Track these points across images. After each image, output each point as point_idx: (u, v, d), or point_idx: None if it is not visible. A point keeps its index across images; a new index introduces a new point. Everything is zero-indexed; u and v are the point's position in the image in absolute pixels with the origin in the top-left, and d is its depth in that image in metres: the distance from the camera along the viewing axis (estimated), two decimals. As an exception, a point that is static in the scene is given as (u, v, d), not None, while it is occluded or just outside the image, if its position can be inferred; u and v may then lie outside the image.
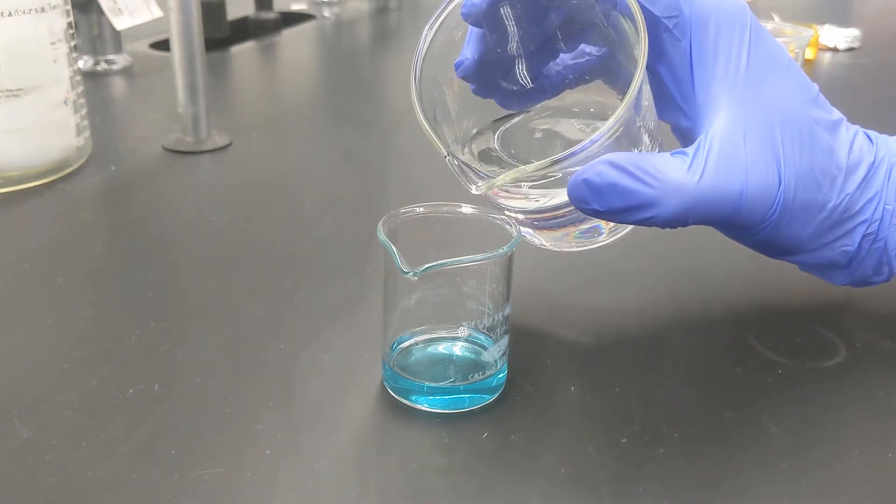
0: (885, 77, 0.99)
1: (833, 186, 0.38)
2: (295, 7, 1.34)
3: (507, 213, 0.40)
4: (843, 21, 1.15)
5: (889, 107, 0.87)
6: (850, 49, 1.08)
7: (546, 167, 0.33)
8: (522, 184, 0.36)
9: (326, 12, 1.32)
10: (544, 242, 0.42)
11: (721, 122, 0.36)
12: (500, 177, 0.34)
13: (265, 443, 0.35)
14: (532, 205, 0.39)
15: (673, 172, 0.34)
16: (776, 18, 0.99)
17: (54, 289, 0.48)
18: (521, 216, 0.40)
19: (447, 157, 0.37)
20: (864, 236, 0.39)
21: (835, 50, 1.08)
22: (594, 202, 0.34)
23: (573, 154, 0.33)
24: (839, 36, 1.08)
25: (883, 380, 0.40)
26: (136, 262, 0.52)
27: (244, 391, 0.39)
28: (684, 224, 0.35)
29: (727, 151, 0.35)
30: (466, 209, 0.39)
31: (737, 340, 0.43)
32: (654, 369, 0.41)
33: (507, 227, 0.38)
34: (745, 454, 0.35)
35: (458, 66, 0.40)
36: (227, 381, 0.39)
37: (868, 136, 0.40)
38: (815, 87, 0.39)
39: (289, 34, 1.19)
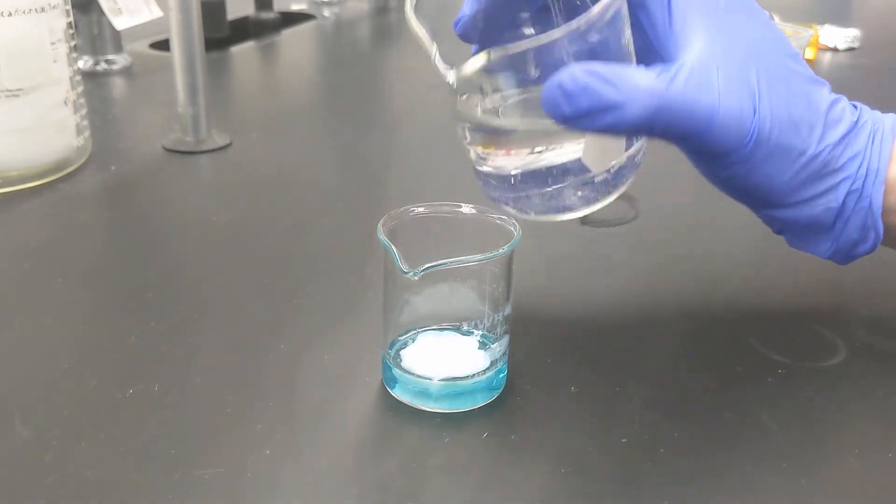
0: (885, 77, 0.99)
1: (812, 134, 0.38)
2: (295, 7, 1.34)
3: (491, 179, 0.40)
4: (843, 21, 1.15)
5: (889, 107, 0.86)
6: (850, 49, 1.08)
7: (524, 47, 0.34)
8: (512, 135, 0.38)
9: (326, 12, 1.32)
10: (529, 211, 0.41)
11: (694, 53, 0.36)
12: (474, 58, 0.35)
13: (265, 443, 0.35)
14: (519, 162, 0.39)
15: (642, 78, 0.35)
16: (776, 18, 0.99)
17: (54, 289, 0.48)
18: (509, 177, 0.40)
19: (434, 56, 0.37)
20: (848, 193, 0.39)
21: (835, 50, 1.08)
22: (564, 105, 0.34)
23: (551, 40, 0.34)
24: (839, 36, 1.08)
25: (883, 380, 0.40)
26: (135, 261, 0.52)
27: (244, 391, 0.39)
28: (651, 130, 0.36)
29: (699, 74, 0.36)
30: (466, 209, 0.39)
31: (737, 340, 0.43)
32: (655, 369, 0.41)
33: (508, 227, 0.38)
34: (745, 454, 0.35)
35: (456, 23, 0.40)
36: (227, 381, 0.39)
37: (854, 106, 0.40)
38: (796, 49, 0.39)
39: (289, 34, 1.19)
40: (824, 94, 0.39)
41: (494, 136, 0.40)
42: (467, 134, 0.40)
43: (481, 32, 0.40)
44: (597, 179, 0.40)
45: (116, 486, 0.33)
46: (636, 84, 0.34)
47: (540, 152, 0.39)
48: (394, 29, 1.27)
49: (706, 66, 0.36)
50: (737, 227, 0.57)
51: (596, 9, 0.34)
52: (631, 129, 0.35)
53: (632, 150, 0.40)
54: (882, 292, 0.48)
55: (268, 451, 0.35)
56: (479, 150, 0.40)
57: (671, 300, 0.47)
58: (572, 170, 0.39)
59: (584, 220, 0.57)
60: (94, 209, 0.60)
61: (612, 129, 0.35)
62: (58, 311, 0.46)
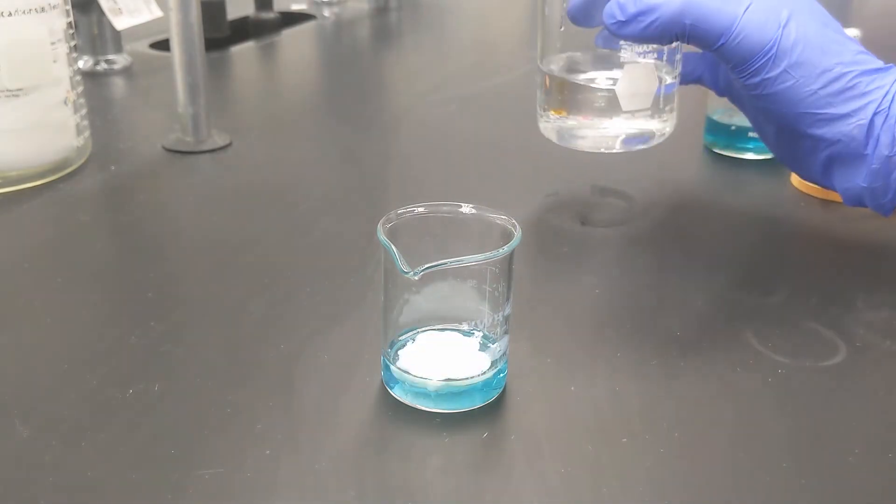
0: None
1: (838, 59, 0.46)
2: (295, 7, 1.33)
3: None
4: (843, 21, 1.15)
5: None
6: (850, 49, 1.08)
7: None
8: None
9: (326, 12, 1.32)
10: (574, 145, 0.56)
11: None
12: None
13: (265, 443, 0.35)
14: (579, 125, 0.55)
15: None
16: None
17: (54, 289, 0.48)
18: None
19: None
20: (875, 113, 0.45)
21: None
22: (619, 13, 0.47)
23: None
24: (839, 36, 1.08)
25: (883, 380, 0.40)
26: (136, 262, 0.52)
27: (244, 391, 0.39)
28: (683, 27, 0.46)
29: None
30: (466, 209, 0.39)
31: (737, 340, 0.43)
32: (655, 369, 0.41)
33: (508, 227, 0.38)
34: (744, 454, 0.35)
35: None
36: (227, 381, 0.39)
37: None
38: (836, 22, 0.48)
39: (289, 34, 1.19)
40: (854, 46, 0.47)
41: (561, 100, 0.56)
42: (543, 99, 0.56)
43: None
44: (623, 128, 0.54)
45: (116, 486, 0.33)
46: None
47: (598, 125, 0.55)
48: (394, 29, 1.27)
49: (737, 1, 0.46)
50: (736, 227, 0.57)
51: None
52: (667, 25, 0.46)
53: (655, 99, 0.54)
54: (882, 292, 0.48)
55: (268, 451, 0.35)
56: (553, 113, 0.56)
57: (671, 300, 0.47)
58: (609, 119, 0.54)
59: (584, 221, 0.57)
60: (93, 209, 0.60)
61: (654, 29, 0.46)
62: (58, 311, 0.46)
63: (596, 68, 0.55)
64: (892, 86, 0.46)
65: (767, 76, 0.46)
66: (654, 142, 0.56)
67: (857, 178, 0.47)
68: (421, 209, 0.39)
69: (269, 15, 1.20)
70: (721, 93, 0.58)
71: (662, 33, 0.47)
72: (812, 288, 0.48)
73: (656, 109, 0.55)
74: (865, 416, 0.38)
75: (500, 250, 0.36)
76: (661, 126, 0.56)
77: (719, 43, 0.46)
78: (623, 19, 0.46)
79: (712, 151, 0.69)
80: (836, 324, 0.44)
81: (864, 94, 0.46)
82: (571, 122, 0.56)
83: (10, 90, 0.59)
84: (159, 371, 0.40)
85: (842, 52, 0.46)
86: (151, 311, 0.45)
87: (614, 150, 0.56)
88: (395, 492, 0.33)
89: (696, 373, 0.41)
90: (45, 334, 0.43)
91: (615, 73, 0.53)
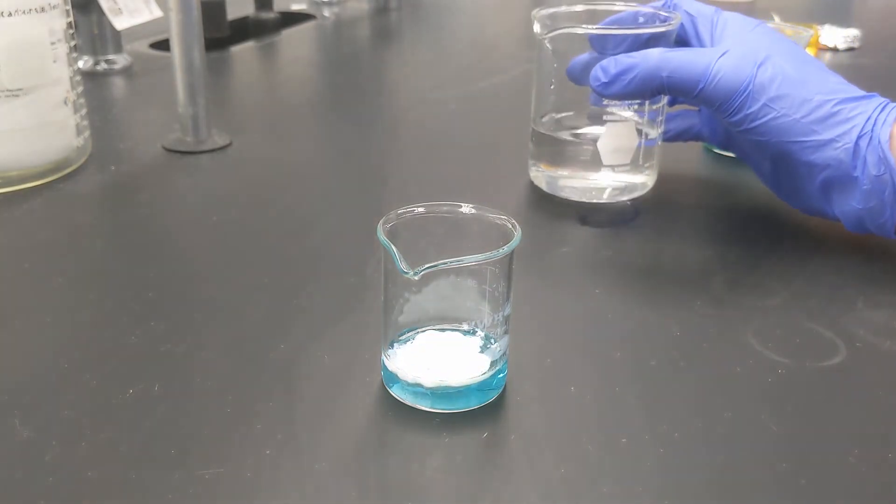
0: (885, 77, 0.99)
1: (819, 90, 0.48)
2: (295, 7, 1.34)
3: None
4: (843, 21, 1.15)
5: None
6: (850, 49, 1.08)
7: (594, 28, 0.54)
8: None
9: (326, 12, 1.32)
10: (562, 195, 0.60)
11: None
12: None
13: (265, 443, 0.35)
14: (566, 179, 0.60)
15: (654, 50, 0.51)
16: (776, 19, 0.99)
17: (54, 289, 0.48)
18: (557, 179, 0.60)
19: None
20: (860, 136, 0.47)
21: (835, 50, 1.08)
22: (602, 75, 0.51)
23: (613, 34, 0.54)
24: (839, 36, 1.08)
25: (883, 380, 0.40)
26: (136, 262, 0.52)
27: (244, 391, 0.39)
28: (661, 80, 0.49)
29: (704, 49, 0.51)
30: (466, 209, 0.39)
31: (736, 340, 0.43)
32: (654, 369, 0.41)
33: (508, 226, 0.38)
34: (745, 454, 0.35)
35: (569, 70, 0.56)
36: (227, 381, 0.39)
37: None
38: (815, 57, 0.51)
39: (289, 34, 1.19)
40: (836, 78, 0.49)
41: (550, 154, 0.60)
42: (534, 150, 0.61)
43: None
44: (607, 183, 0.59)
45: (116, 486, 0.33)
46: (649, 52, 0.50)
47: (583, 177, 0.59)
48: (394, 29, 1.27)
49: (714, 50, 0.49)
50: (736, 227, 0.57)
51: (647, 29, 0.53)
52: (647, 80, 0.50)
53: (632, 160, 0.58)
54: (882, 292, 0.48)
55: (268, 451, 0.35)
56: (542, 167, 0.61)
57: (671, 300, 0.47)
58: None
59: (584, 221, 0.57)
60: (93, 209, 0.60)
61: (635, 84, 0.50)
62: (58, 310, 0.46)
63: (582, 125, 0.59)
64: (873, 111, 0.47)
65: (748, 112, 0.48)
66: (636, 193, 0.60)
67: (853, 201, 0.48)
68: (421, 209, 0.39)
69: (269, 15, 1.20)
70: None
71: (643, 88, 0.50)
72: (812, 288, 0.48)
73: (636, 164, 0.58)
74: (865, 416, 0.38)
75: (500, 250, 0.36)
76: (641, 179, 0.59)
77: (698, 89, 0.49)
78: (606, 80, 0.50)
79: (712, 151, 0.69)
80: (836, 324, 0.44)
81: (847, 120, 0.47)
82: (559, 173, 0.60)
83: (10, 90, 0.59)
84: (159, 371, 0.40)
85: (822, 83, 0.48)
86: (151, 311, 0.45)
87: (598, 201, 0.59)
88: (395, 492, 0.33)
89: (695, 373, 0.41)
90: (45, 334, 0.43)
91: (599, 129, 0.56)
